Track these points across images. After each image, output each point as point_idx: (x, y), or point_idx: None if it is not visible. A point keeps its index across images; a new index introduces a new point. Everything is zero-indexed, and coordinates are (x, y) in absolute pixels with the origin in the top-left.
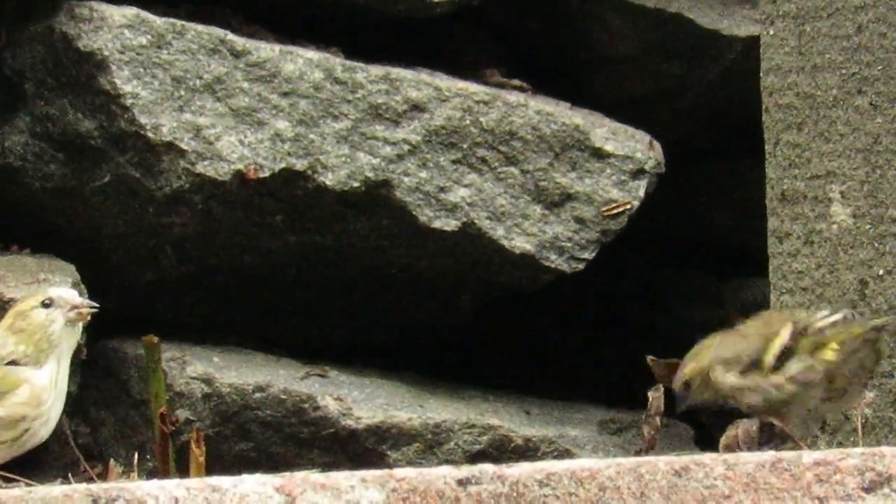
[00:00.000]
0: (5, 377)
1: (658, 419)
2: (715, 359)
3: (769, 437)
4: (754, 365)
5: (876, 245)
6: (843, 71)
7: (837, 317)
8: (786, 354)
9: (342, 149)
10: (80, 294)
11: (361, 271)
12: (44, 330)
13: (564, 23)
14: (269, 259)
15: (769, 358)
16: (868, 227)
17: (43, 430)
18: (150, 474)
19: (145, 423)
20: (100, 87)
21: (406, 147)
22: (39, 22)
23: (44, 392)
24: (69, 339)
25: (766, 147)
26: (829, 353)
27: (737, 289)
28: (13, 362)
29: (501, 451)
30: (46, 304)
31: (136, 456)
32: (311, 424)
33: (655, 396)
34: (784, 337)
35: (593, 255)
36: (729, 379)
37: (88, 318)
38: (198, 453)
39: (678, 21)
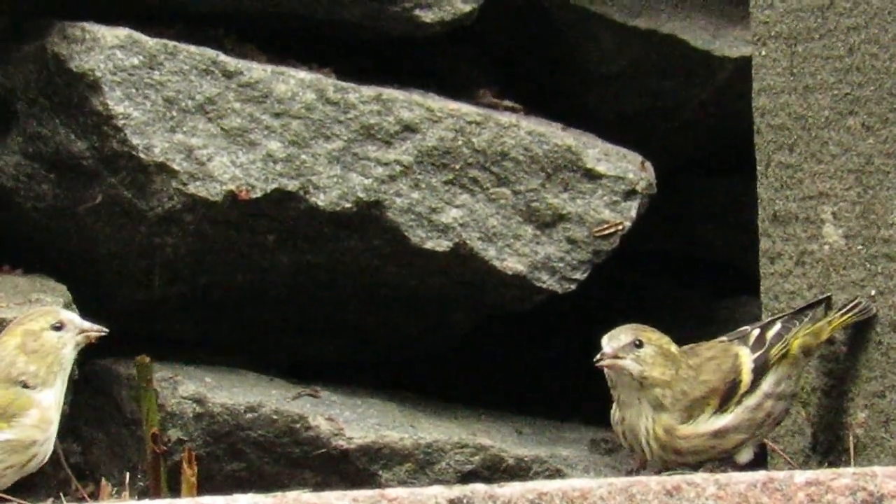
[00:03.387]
0: (17, 399)
1: None
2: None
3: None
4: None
5: (868, 266)
6: (835, 92)
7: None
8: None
9: (334, 169)
10: None
11: (353, 291)
12: (56, 353)
13: (557, 42)
14: (261, 278)
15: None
16: (860, 247)
17: (45, 452)
18: (142, 494)
19: (137, 443)
20: (92, 107)
21: (398, 168)
22: (31, 42)
23: (50, 413)
24: (72, 361)
25: (759, 168)
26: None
27: (730, 307)
28: (24, 384)
29: (493, 471)
30: (57, 327)
31: (127, 476)
32: (303, 444)
33: None
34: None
35: (585, 275)
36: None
37: (95, 341)
38: (189, 473)
39: (671, 42)
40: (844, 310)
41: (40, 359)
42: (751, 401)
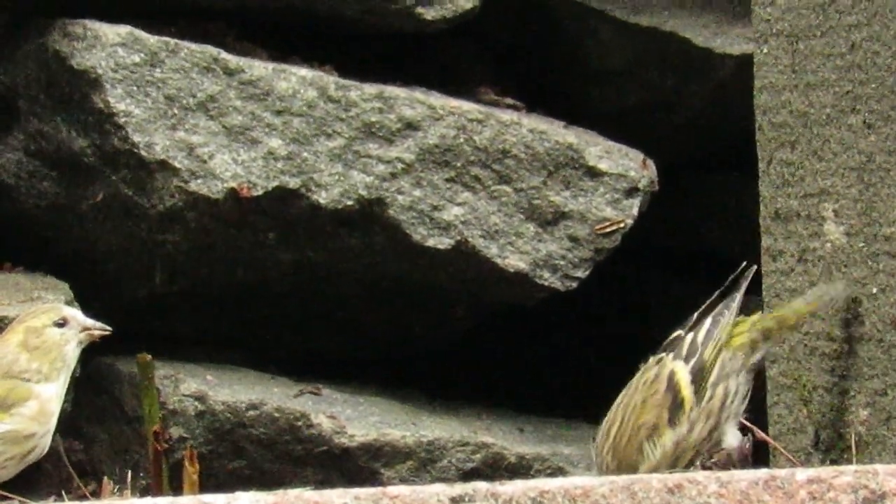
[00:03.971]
0: (15, 388)
1: None
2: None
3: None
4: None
5: (869, 263)
6: (837, 89)
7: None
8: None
9: (335, 167)
10: None
11: (355, 289)
12: (59, 349)
13: (558, 40)
14: (262, 276)
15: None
16: (861, 245)
17: (45, 443)
18: (144, 492)
19: (139, 441)
20: (93, 105)
21: (400, 165)
22: (33, 40)
23: (50, 405)
24: (76, 357)
25: (760, 165)
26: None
27: (743, 306)
28: (26, 381)
29: (495, 468)
30: (60, 324)
31: (129, 473)
32: (305, 442)
33: None
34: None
35: (587, 273)
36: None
37: (99, 340)
38: (191, 471)
39: (672, 39)
40: (808, 300)
41: (42, 355)
42: (702, 402)
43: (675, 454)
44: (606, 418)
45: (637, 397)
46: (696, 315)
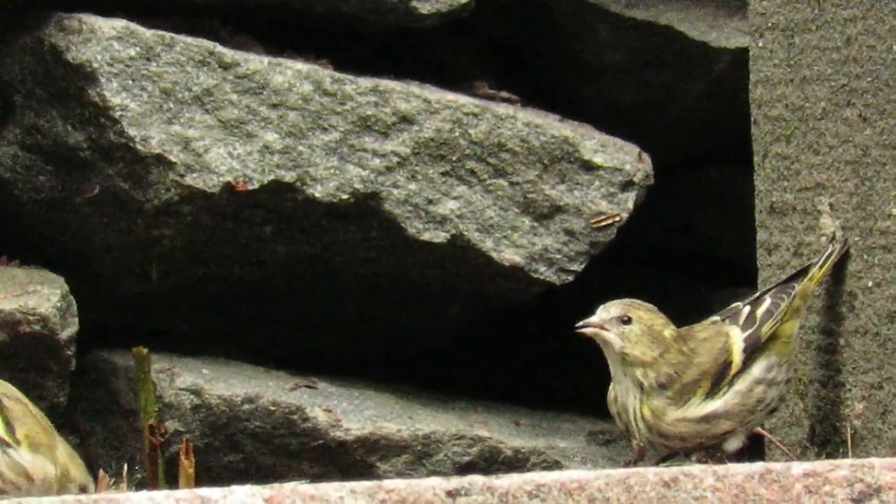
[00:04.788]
0: None
1: None
2: None
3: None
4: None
5: (865, 257)
6: (832, 83)
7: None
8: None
9: (331, 161)
10: (70, 306)
11: (351, 282)
12: None
13: (554, 33)
14: (258, 270)
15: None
16: (857, 238)
17: None
18: (140, 485)
19: (135, 434)
20: (89, 99)
21: (395, 159)
22: (28, 33)
23: None
24: None
25: (755, 159)
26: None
27: (727, 298)
28: None
29: (491, 462)
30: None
31: (125, 467)
32: (300, 436)
33: None
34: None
35: (582, 266)
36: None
37: None
38: (187, 465)
39: (668, 33)
40: (820, 262)
41: None
42: (741, 385)
43: (694, 425)
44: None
45: (700, 333)
46: (757, 294)
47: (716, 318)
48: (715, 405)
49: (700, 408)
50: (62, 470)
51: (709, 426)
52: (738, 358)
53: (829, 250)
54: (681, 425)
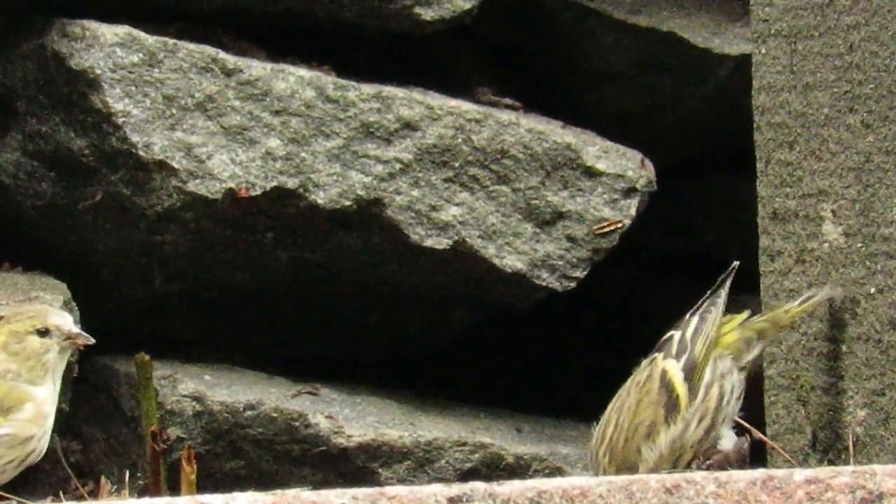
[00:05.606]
0: (11, 392)
1: None
2: None
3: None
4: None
5: (867, 263)
6: (835, 89)
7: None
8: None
9: (334, 167)
10: (72, 313)
11: (353, 289)
12: (38, 357)
13: (556, 40)
14: (260, 276)
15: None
16: (860, 245)
17: (43, 446)
18: (142, 492)
19: (137, 441)
20: (91, 105)
21: (398, 165)
22: (31, 40)
23: (45, 406)
24: (62, 362)
25: (758, 165)
26: None
27: (729, 305)
28: (9, 378)
29: (493, 468)
30: (42, 333)
31: (127, 474)
32: (302, 442)
33: None
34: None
35: (585, 273)
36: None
37: (82, 347)
38: (189, 471)
39: (670, 39)
40: (801, 301)
41: (22, 361)
42: (696, 400)
43: (673, 454)
44: (600, 422)
45: (631, 399)
46: (686, 316)
47: (653, 354)
48: (679, 427)
49: (665, 441)
50: None
51: (684, 439)
52: (682, 390)
53: (814, 297)
54: (664, 464)
